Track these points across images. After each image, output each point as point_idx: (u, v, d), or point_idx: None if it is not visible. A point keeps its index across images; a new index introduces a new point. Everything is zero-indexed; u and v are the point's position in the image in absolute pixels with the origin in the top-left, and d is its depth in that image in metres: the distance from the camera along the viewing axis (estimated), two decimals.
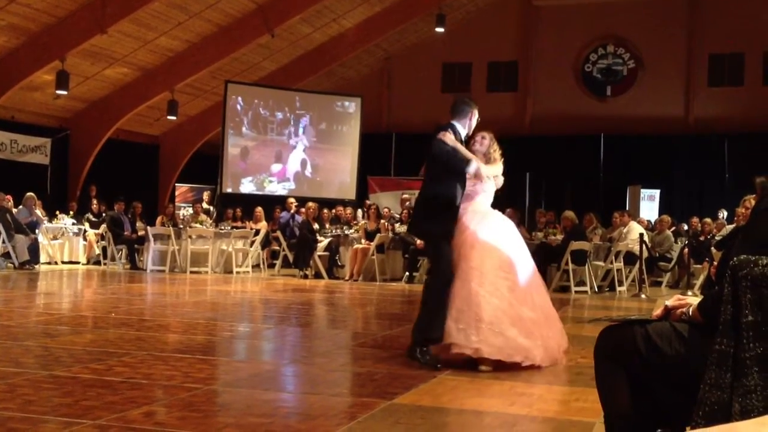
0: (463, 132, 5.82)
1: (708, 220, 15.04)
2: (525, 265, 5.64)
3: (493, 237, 5.61)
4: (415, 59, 20.79)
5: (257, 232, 15.08)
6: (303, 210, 14.85)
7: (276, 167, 18.96)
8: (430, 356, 5.18)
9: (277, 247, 15.35)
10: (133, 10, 14.57)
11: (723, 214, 16.27)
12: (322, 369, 5.06)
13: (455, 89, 19.78)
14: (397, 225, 14.49)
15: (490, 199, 6.02)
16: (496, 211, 6.05)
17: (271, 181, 18.80)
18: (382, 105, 21.39)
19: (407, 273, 13.44)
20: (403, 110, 20.91)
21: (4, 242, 13.26)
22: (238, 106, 18.60)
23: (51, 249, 15.00)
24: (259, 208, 16.05)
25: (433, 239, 5.82)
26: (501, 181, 6.07)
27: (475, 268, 5.41)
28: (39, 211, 14.75)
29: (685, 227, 15.64)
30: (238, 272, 14.23)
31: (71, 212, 16.34)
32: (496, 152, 6.12)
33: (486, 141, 6.10)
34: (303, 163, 19.05)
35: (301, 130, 18.94)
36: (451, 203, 5.63)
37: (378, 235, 13.64)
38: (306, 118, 18.99)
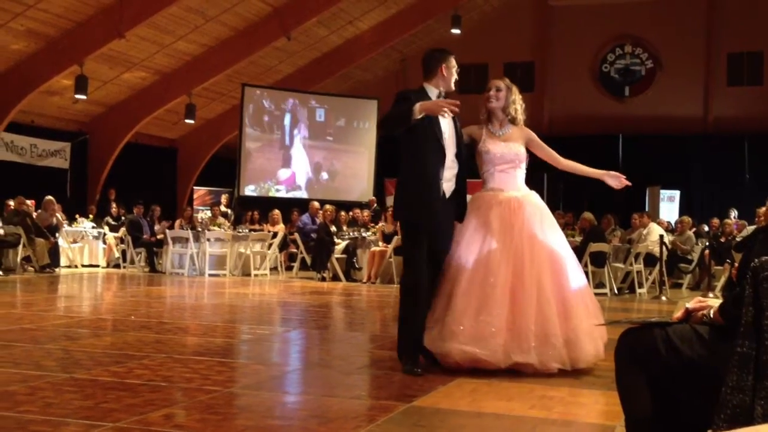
0: (434, 93, 4.97)
1: (728, 221, 14.93)
2: (533, 263, 4.85)
3: (490, 230, 4.90)
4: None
5: (275, 235, 15.12)
6: (320, 212, 14.86)
7: (284, 173, 18.94)
8: (409, 365, 4.75)
9: (295, 250, 15.38)
10: (151, 15, 14.66)
11: (734, 213, 16.16)
12: (341, 372, 5.06)
13: (471, 90, 19.72)
14: None
15: (515, 178, 5.12)
16: (524, 195, 5.11)
17: (278, 190, 18.73)
18: None
19: None
20: None
21: (24, 246, 13.37)
22: (279, 112, 18.57)
23: (71, 252, 15.11)
24: (277, 211, 16.09)
25: (403, 230, 5.08)
26: (522, 155, 5.14)
27: (454, 265, 4.88)
28: (59, 215, 14.87)
29: (706, 228, 15.52)
30: (256, 275, 14.27)
31: (91, 216, 16.47)
32: (519, 109, 5.18)
33: (502, 93, 5.16)
34: (317, 168, 19.05)
35: (304, 126, 18.84)
36: (425, 184, 4.78)
37: (395, 237, 13.63)
38: (322, 110, 18.96)
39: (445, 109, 4.74)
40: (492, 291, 4.76)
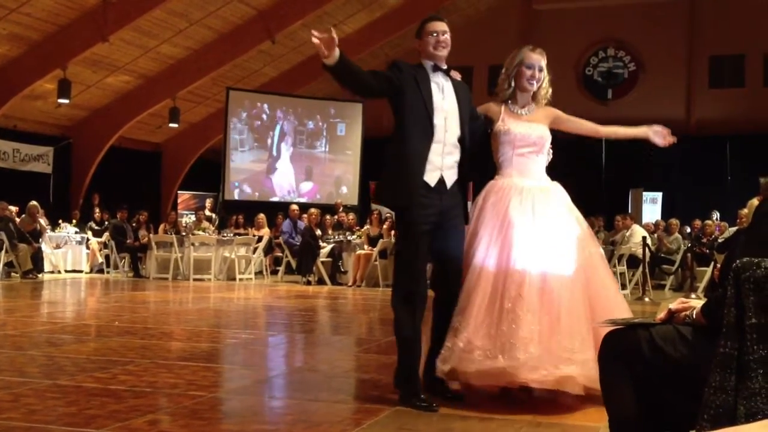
0: (428, 65, 4.25)
1: (709, 222, 15.05)
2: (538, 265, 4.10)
3: (510, 226, 4.17)
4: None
5: (260, 239, 15.09)
6: (305, 216, 14.85)
7: (306, 186, 18.92)
8: (407, 397, 4.05)
9: (280, 254, 15.36)
10: (135, 18, 14.61)
11: (716, 215, 16.29)
12: (326, 375, 5.05)
13: None
14: None
15: (537, 165, 4.43)
16: (547, 185, 4.42)
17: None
18: (383, 110, 21.39)
19: None
20: None
21: (7, 251, 13.27)
22: (264, 116, 18.58)
23: (54, 258, 15.01)
24: (262, 215, 16.05)
25: (397, 227, 4.32)
26: (545, 138, 4.41)
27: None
28: (42, 220, 14.77)
29: (688, 230, 15.63)
30: (241, 279, 14.23)
31: (74, 221, 16.37)
32: (548, 90, 4.53)
33: (543, 74, 4.45)
34: (308, 172, 19.04)
35: (290, 137, 18.85)
36: (408, 165, 4.06)
37: (380, 240, 13.64)
38: (306, 111, 18.98)
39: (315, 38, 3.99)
40: (517, 302, 3.99)
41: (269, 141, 18.82)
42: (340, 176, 19.20)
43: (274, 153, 18.87)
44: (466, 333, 3.99)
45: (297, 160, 19.01)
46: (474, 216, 4.32)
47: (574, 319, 4.00)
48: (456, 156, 4.21)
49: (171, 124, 18.75)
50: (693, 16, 19.81)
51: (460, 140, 4.23)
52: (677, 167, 19.32)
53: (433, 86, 4.20)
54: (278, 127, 18.89)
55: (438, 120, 4.14)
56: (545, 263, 4.09)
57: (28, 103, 16.34)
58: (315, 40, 3.96)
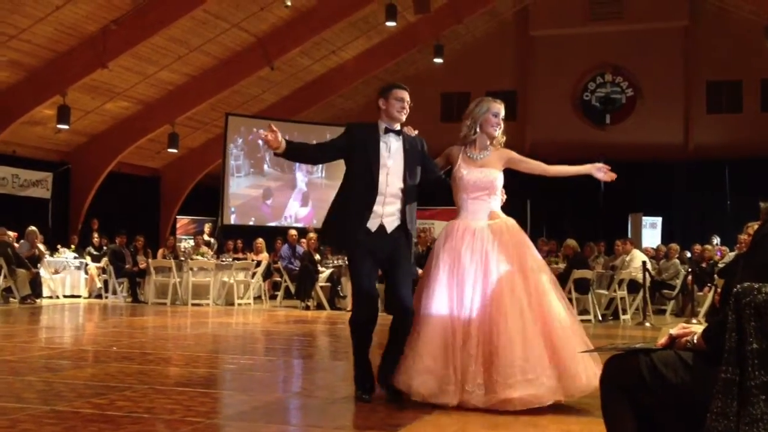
0: (382, 128, 4.86)
1: (709, 246, 15.04)
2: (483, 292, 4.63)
3: (461, 263, 4.69)
4: (413, 89, 20.70)
5: (258, 264, 15.07)
6: (304, 241, 14.84)
7: (303, 211, 18.93)
8: (359, 392, 4.87)
9: (279, 279, 15.33)
10: (134, 45, 14.71)
11: (717, 240, 16.29)
12: (325, 401, 5.02)
13: (454, 119, 19.88)
14: None
15: (490, 206, 4.89)
16: (498, 223, 4.84)
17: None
18: None
19: None
20: None
21: (5, 277, 13.24)
22: (260, 142, 18.63)
23: (53, 283, 14.99)
24: (260, 240, 16.04)
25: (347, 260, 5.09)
26: (497, 182, 4.90)
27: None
28: (40, 245, 14.76)
29: (688, 255, 15.63)
30: (239, 304, 14.19)
31: (73, 246, 16.37)
32: (503, 134, 5.02)
33: (500, 120, 4.97)
34: (305, 199, 19.06)
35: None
36: (348, 216, 4.79)
37: None
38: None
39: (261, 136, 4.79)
40: (469, 329, 4.53)
41: (265, 167, 18.85)
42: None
43: (271, 179, 18.90)
44: (422, 363, 4.56)
45: (294, 186, 19.03)
46: (434, 255, 4.86)
47: (519, 346, 4.44)
48: (397, 205, 4.82)
49: (170, 150, 18.80)
50: (690, 41, 19.95)
51: (402, 191, 4.82)
52: (676, 192, 19.37)
53: (382, 146, 4.81)
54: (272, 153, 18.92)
55: (381, 177, 4.76)
56: (492, 298, 4.57)
57: (28, 129, 16.39)
58: (260, 141, 4.81)
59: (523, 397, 4.38)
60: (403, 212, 4.82)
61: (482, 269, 4.63)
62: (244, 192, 18.66)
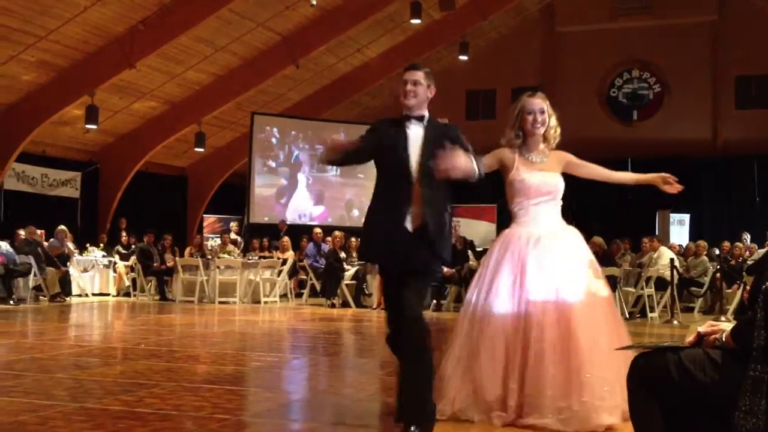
0: (404, 115, 4.11)
1: (739, 244, 14.87)
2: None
3: (524, 272, 4.24)
4: (439, 87, 20.71)
5: (284, 262, 15.12)
6: (329, 239, 14.88)
7: (317, 209, 19.00)
8: None
9: (305, 277, 15.38)
10: (161, 45, 14.80)
11: (747, 236, 16.08)
12: (351, 399, 5.03)
13: (480, 116, 19.84)
14: None
15: (552, 212, 4.49)
16: (562, 231, 4.47)
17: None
18: None
19: (434, 301, 13.39)
20: None
21: (35, 275, 13.41)
22: (273, 140, 18.73)
23: (81, 281, 15.15)
24: (286, 238, 16.09)
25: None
26: (560, 187, 4.47)
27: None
28: (70, 244, 14.92)
29: (717, 251, 15.47)
30: (265, 302, 14.25)
31: (101, 244, 16.53)
32: (557, 133, 4.56)
33: (546, 116, 4.47)
34: (318, 197, 19.12)
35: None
36: (369, 213, 4.15)
37: None
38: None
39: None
40: (543, 345, 4.07)
41: (281, 166, 18.95)
42: (352, 199, 19.19)
43: (287, 177, 18.99)
44: (485, 384, 4.07)
45: (309, 184, 19.11)
46: (490, 264, 4.37)
47: (597, 367, 4.02)
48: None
49: (197, 149, 18.93)
50: (718, 36, 19.71)
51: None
52: (705, 188, 19.14)
53: (400, 135, 4.06)
54: (291, 152, 19.02)
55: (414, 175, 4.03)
56: (563, 312, 4.13)
57: (57, 129, 16.57)
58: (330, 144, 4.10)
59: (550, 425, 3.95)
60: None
61: (553, 281, 4.21)
62: (258, 191, 18.79)
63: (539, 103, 4.48)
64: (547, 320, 4.11)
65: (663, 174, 4.72)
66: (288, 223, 18.00)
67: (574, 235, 4.48)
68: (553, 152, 4.57)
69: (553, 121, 4.52)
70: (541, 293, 4.18)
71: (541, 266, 4.24)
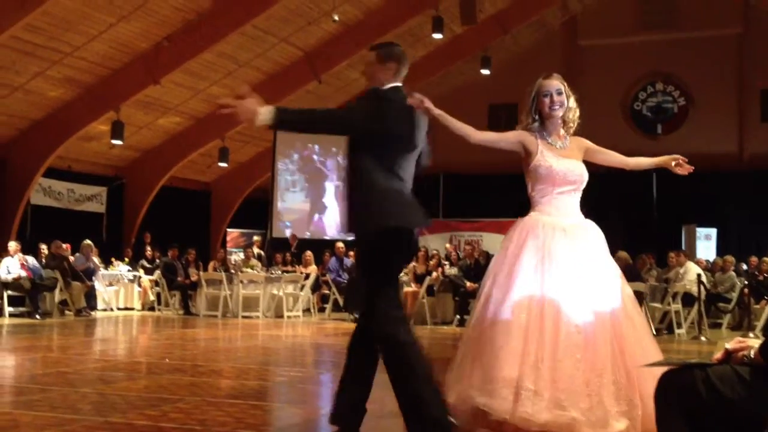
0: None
1: (766, 258, 14.68)
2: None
3: (554, 261, 4.00)
4: (461, 101, 20.76)
5: (307, 276, 15.14)
6: (352, 253, 14.88)
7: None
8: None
9: (327, 291, 15.39)
10: (185, 61, 14.94)
11: None
12: (374, 415, 5.01)
13: (502, 130, 19.79)
14: (446, 267, 14.44)
15: (575, 202, 4.25)
16: (586, 223, 4.23)
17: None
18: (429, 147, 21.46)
19: (458, 316, 13.33)
20: (450, 152, 20.65)
21: (61, 290, 13.52)
22: (296, 155, 18.83)
23: (107, 295, 15.26)
24: (309, 252, 16.12)
25: (376, 256, 4.03)
26: (585, 176, 4.24)
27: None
28: (95, 259, 15.05)
29: (744, 267, 15.28)
30: (288, 317, 14.27)
31: (126, 259, 16.65)
32: (576, 117, 4.36)
33: (564, 97, 4.29)
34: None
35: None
36: (406, 204, 4.00)
37: (427, 277, 13.58)
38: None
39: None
40: (570, 348, 3.84)
41: (318, 181, 19.05)
42: None
43: (324, 193, 19.07)
44: (512, 373, 3.80)
45: (340, 198, 19.13)
46: (509, 252, 4.12)
47: (621, 369, 3.89)
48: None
49: (220, 164, 19.04)
50: (743, 48, 19.55)
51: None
52: (731, 202, 18.94)
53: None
54: (323, 166, 19.11)
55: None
56: (592, 305, 3.95)
57: (83, 145, 16.75)
58: (225, 111, 3.85)
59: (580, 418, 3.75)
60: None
61: (580, 272, 4.00)
62: (299, 207, 18.89)
63: (556, 84, 4.31)
64: (580, 315, 3.89)
65: (674, 155, 4.51)
66: (326, 238, 18.13)
67: (597, 229, 4.26)
68: (573, 138, 4.39)
69: (572, 102, 4.35)
70: (571, 284, 3.95)
71: (571, 257, 4.01)
